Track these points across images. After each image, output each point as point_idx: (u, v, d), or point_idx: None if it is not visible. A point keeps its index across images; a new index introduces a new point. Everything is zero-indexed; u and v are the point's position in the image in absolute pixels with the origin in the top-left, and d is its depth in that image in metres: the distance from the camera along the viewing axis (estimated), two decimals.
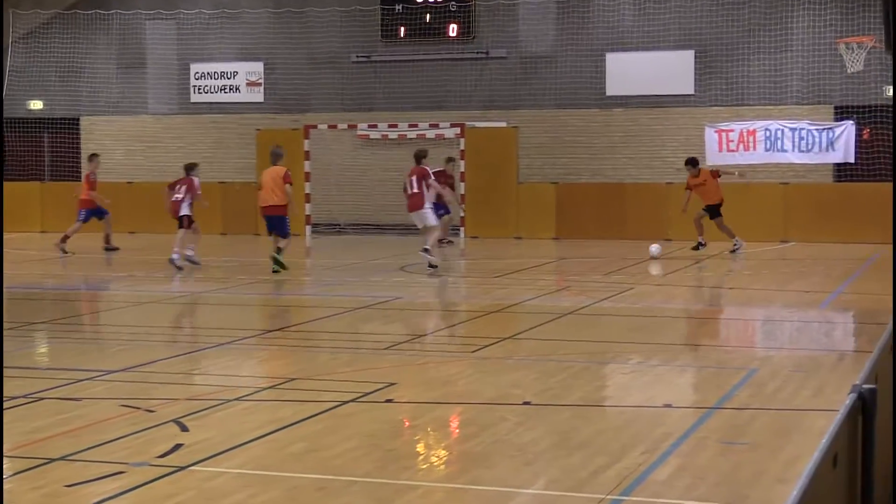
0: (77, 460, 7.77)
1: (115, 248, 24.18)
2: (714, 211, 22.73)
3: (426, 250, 19.25)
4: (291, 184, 20.05)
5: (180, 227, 20.66)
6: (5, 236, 23.81)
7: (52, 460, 7.75)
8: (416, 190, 19.57)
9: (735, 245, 22.72)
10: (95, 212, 24.29)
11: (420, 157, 19.95)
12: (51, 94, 31.86)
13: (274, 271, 19.23)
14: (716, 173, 23.00)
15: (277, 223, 19.80)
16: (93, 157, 25.45)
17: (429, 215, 19.62)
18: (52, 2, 31.45)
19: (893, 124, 25.77)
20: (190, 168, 21.66)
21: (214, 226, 27.77)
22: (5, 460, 7.91)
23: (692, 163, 22.96)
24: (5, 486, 7.38)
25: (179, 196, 20.84)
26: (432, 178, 19.89)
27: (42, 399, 9.73)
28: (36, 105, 32.10)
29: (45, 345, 13.57)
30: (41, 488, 7.14)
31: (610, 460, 7.65)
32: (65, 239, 23.68)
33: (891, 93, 25.31)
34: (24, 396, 9.80)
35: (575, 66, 27.68)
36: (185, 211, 20.78)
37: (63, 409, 9.41)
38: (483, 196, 27.54)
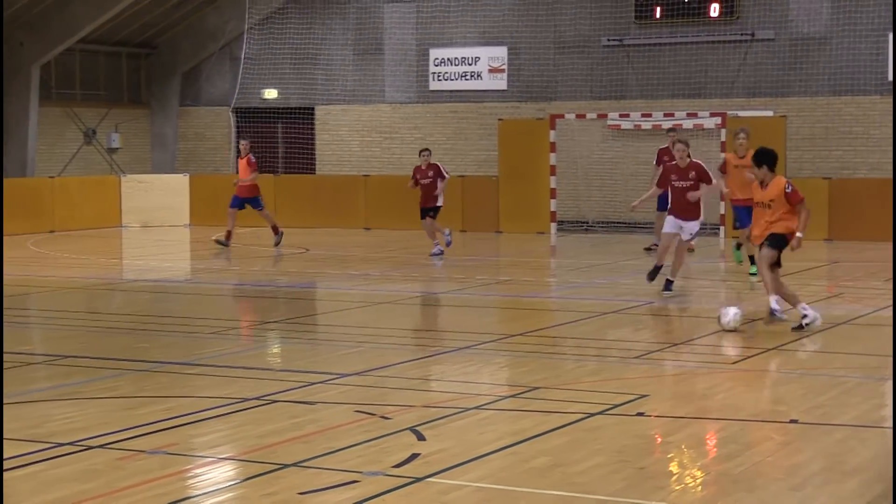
0: (310, 467, 8.02)
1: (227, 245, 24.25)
2: None
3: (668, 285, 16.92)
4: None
5: (433, 217, 22.13)
6: (238, 230, 24.71)
7: (285, 466, 8.02)
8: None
9: None
10: (251, 200, 24.51)
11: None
12: (285, 82, 32.90)
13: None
14: None
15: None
16: (243, 142, 25.83)
17: (694, 228, 17.08)
18: None
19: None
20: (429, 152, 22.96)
21: (454, 222, 28.12)
22: (239, 464, 8.24)
23: None
24: (239, 492, 7.69)
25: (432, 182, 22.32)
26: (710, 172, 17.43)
27: (275, 402, 10.08)
28: (270, 94, 33.21)
29: (278, 345, 14.02)
30: (274, 495, 7.40)
31: (887, 488, 7.41)
32: (228, 235, 24.17)
33: None
34: (258, 398, 10.17)
35: (852, 47, 26.89)
36: (441, 201, 22.27)
37: (296, 412, 9.72)
38: None
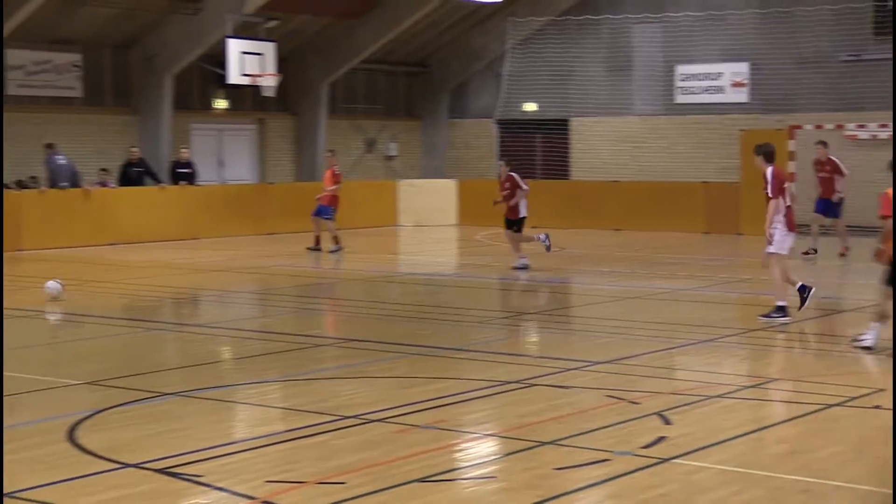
0: (565, 445, 8.00)
1: (320, 249, 23.46)
2: None
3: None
4: None
5: (518, 230, 20.14)
6: (500, 230, 24.84)
7: (543, 444, 8.02)
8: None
9: None
10: (325, 209, 23.72)
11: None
12: (543, 96, 32.97)
13: None
14: None
15: None
16: (327, 153, 25.36)
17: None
18: (546, 9, 32.53)
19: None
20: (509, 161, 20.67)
21: (697, 224, 27.66)
22: (501, 440, 8.28)
23: None
24: (501, 465, 7.73)
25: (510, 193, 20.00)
26: None
27: (533, 385, 10.09)
28: (530, 107, 33.34)
29: (536, 334, 14.05)
30: (532, 469, 7.41)
31: None
32: (336, 240, 23.42)
33: None
34: (518, 382, 10.21)
35: None
36: (524, 212, 20.08)
37: (552, 395, 9.72)
38: None
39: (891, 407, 9.24)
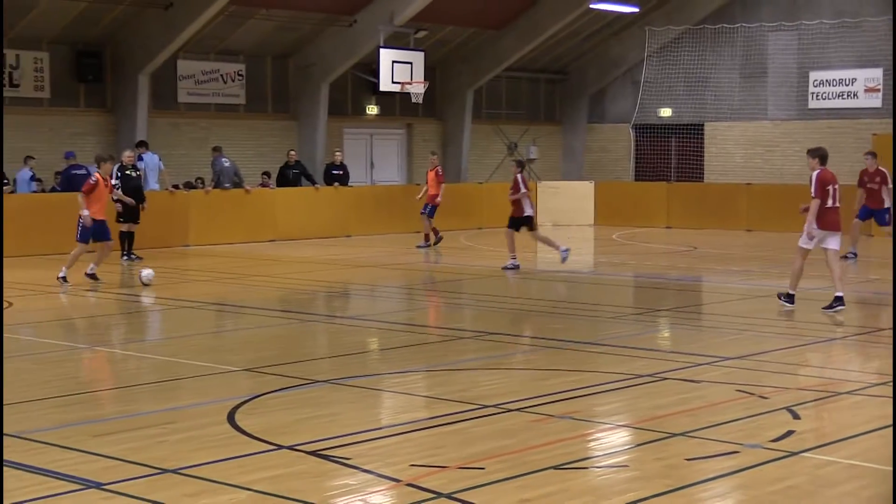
0: (695, 437, 7.89)
1: (429, 245, 23.89)
2: None
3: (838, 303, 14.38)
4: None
5: (531, 229, 19.78)
6: (636, 230, 24.67)
7: (674, 435, 7.92)
8: (838, 204, 14.49)
9: None
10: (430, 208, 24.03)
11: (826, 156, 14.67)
12: (678, 101, 32.58)
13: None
14: None
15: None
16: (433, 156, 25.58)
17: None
18: (682, 18, 32.12)
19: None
20: (519, 164, 20.19)
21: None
22: (633, 431, 8.21)
23: None
24: (633, 455, 7.66)
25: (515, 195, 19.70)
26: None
27: (665, 379, 9.98)
28: (665, 112, 32.97)
29: (668, 330, 13.89)
30: (663, 459, 7.33)
31: None
32: (434, 234, 24.01)
33: None
34: (650, 375, 10.11)
35: None
36: (528, 211, 19.72)
37: (683, 389, 9.59)
38: None
39: None
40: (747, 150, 31.47)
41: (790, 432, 7.97)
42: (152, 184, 23.25)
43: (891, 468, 7.12)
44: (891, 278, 18.27)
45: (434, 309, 15.98)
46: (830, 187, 14.29)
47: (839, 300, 14.25)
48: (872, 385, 9.95)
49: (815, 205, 14.24)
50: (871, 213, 21.44)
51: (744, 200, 28.50)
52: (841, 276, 14.49)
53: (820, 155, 14.51)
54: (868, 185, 21.44)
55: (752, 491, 6.68)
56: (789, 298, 14.67)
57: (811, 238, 14.34)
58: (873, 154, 21.76)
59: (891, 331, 12.91)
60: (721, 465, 7.20)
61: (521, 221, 19.82)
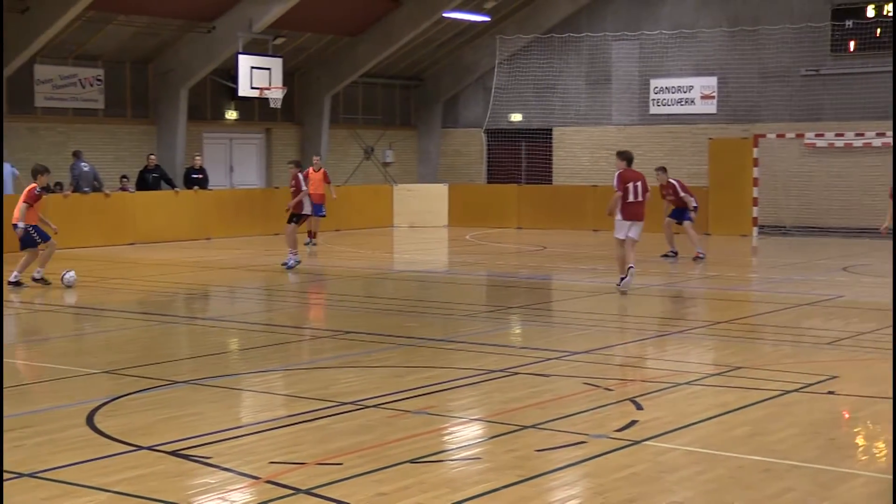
0: (545, 429, 8.00)
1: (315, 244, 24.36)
2: None
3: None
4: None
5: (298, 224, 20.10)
6: (489, 231, 24.88)
7: (524, 427, 8.02)
8: (640, 198, 16.26)
9: None
10: (318, 207, 23.96)
11: (632, 159, 16.61)
12: (528, 107, 32.99)
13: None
14: None
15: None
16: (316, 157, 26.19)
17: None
18: (531, 27, 32.54)
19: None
20: (297, 163, 20.79)
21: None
22: (486, 424, 8.28)
23: None
24: (486, 447, 7.71)
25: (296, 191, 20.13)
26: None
27: (517, 374, 10.09)
28: (516, 117, 33.34)
29: (519, 326, 14.05)
30: (515, 451, 7.41)
31: None
32: (313, 235, 24.45)
33: None
34: (502, 371, 10.21)
35: None
36: (305, 209, 20.22)
37: (534, 383, 9.72)
38: None
39: (844, 393, 9.26)
40: (593, 153, 32.01)
41: (634, 422, 8.14)
42: (8, 191, 22.53)
43: (725, 453, 7.34)
44: (730, 274, 18.85)
45: (293, 309, 15.86)
46: (631, 184, 15.98)
47: (630, 270, 15.98)
48: (709, 375, 10.25)
49: (615, 198, 16.16)
50: (681, 212, 21.93)
51: (590, 202, 28.98)
52: (633, 260, 16.16)
53: (626, 158, 16.39)
54: (667, 198, 21.92)
55: (598, 479, 6.81)
56: (620, 280, 16.14)
57: (621, 229, 16.16)
58: (663, 169, 21.98)
59: (726, 324, 13.30)
60: (569, 454, 7.32)
61: (300, 217, 20.16)
